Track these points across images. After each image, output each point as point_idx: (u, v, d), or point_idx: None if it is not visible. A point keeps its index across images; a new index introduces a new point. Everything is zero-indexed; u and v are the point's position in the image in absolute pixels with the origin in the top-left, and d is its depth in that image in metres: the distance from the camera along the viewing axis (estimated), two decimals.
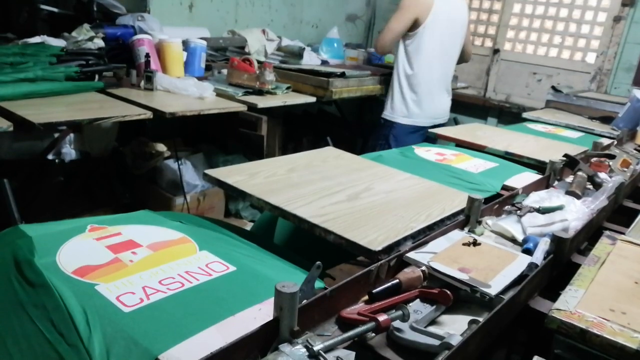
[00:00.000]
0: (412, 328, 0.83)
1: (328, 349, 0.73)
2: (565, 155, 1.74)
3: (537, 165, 1.86)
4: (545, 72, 3.97)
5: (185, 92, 2.40)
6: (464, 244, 1.13)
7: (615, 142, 2.31)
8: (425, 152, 1.93)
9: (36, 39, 2.37)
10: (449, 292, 0.92)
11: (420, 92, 2.90)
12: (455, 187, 1.54)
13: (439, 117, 3.04)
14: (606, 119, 2.88)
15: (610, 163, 1.83)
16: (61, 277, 0.88)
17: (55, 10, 2.75)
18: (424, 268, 1.00)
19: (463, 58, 3.12)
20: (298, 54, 3.35)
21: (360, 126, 4.47)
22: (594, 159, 1.83)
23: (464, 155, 1.93)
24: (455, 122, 3.16)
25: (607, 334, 0.82)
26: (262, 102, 2.50)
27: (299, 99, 2.75)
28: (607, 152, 2.03)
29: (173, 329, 0.78)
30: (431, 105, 2.95)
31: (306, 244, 1.37)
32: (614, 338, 0.81)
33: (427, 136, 2.21)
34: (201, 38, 2.84)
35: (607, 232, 1.24)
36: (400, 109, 2.92)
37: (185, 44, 2.72)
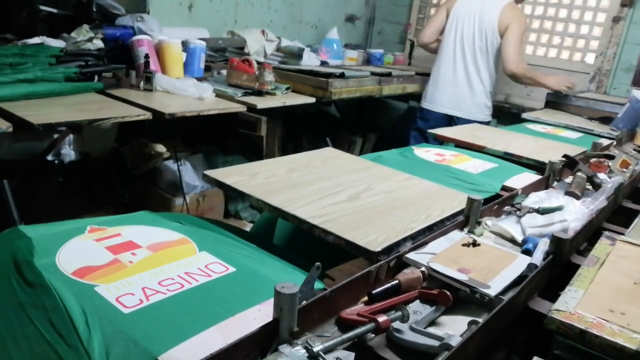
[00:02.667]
0: (412, 329, 0.83)
1: (328, 350, 0.73)
2: (565, 156, 1.74)
3: (536, 166, 1.86)
4: (545, 72, 3.96)
5: (184, 93, 2.40)
6: (463, 245, 1.13)
7: (615, 143, 2.32)
8: (425, 152, 1.93)
9: (35, 40, 2.37)
10: (448, 292, 0.92)
11: (438, 81, 3.26)
12: (454, 187, 1.54)
13: (452, 109, 3.28)
14: (605, 120, 2.88)
15: (610, 163, 1.83)
16: (61, 278, 0.88)
17: (54, 10, 2.75)
18: (423, 269, 1.00)
19: (503, 65, 3.13)
20: (297, 55, 3.35)
21: (360, 127, 4.47)
22: (593, 160, 1.83)
23: (464, 155, 1.93)
24: (455, 122, 3.18)
25: (607, 334, 0.82)
26: (262, 102, 2.50)
27: (298, 100, 2.75)
28: (606, 152, 2.03)
29: (173, 330, 0.78)
30: (443, 95, 3.26)
31: (306, 244, 1.37)
32: (613, 339, 0.81)
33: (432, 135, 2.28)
34: (200, 39, 2.84)
35: (606, 233, 1.24)
36: (424, 95, 3.38)
37: (185, 45, 2.72)
